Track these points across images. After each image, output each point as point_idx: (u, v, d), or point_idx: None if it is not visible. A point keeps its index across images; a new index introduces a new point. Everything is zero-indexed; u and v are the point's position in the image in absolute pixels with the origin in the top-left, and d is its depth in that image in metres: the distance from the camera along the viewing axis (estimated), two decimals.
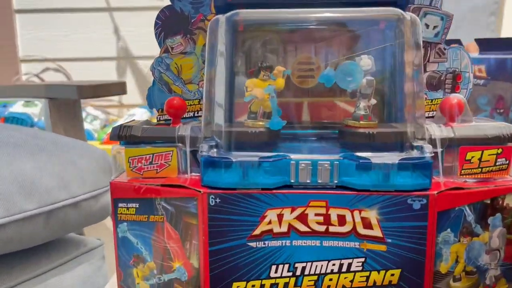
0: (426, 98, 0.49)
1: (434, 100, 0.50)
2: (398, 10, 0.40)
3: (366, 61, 0.41)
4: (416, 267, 0.38)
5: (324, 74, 0.42)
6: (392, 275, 0.38)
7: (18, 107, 1.65)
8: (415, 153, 0.38)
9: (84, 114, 1.65)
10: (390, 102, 0.45)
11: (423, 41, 0.48)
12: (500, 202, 0.39)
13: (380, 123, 0.43)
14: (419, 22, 0.41)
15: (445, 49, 0.49)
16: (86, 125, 1.69)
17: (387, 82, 0.45)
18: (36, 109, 1.71)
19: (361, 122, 0.41)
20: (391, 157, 0.38)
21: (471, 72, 0.50)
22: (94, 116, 1.81)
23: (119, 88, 0.83)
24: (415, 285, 0.38)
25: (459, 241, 0.39)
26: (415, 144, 0.39)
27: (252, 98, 0.41)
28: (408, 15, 0.41)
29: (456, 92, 0.50)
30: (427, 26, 0.50)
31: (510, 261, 0.41)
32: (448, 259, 0.39)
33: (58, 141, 0.68)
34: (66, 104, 0.83)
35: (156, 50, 0.46)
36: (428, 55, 0.50)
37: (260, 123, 0.41)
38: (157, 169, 0.41)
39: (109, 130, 1.67)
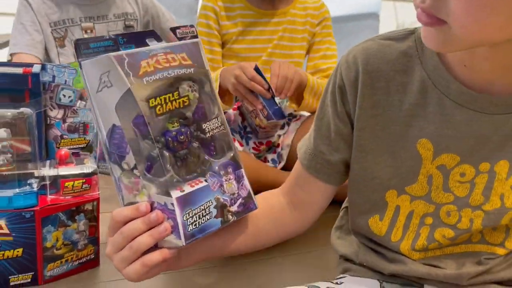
0: (67, 137, 0.82)
1: (73, 139, 0.83)
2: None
3: (1, 133, 0.71)
4: (31, 246, 0.72)
5: None
6: (18, 251, 0.71)
7: None
8: (27, 187, 0.71)
9: None
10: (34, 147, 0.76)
11: (62, 105, 0.80)
12: (83, 207, 0.75)
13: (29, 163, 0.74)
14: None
15: (77, 109, 0.82)
16: None
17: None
18: None
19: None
20: (12, 190, 0.70)
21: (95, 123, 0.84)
22: None
23: None
24: (32, 255, 0.72)
25: (57, 230, 0.73)
26: (29, 181, 0.71)
27: None
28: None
29: (87, 134, 0.84)
30: (64, 96, 0.82)
31: (93, 235, 0.78)
32: (51, 240, 0.73)
33: None
34: None
35: None
36: (67, 113, 0.82)
37: None
38: None
39: None
